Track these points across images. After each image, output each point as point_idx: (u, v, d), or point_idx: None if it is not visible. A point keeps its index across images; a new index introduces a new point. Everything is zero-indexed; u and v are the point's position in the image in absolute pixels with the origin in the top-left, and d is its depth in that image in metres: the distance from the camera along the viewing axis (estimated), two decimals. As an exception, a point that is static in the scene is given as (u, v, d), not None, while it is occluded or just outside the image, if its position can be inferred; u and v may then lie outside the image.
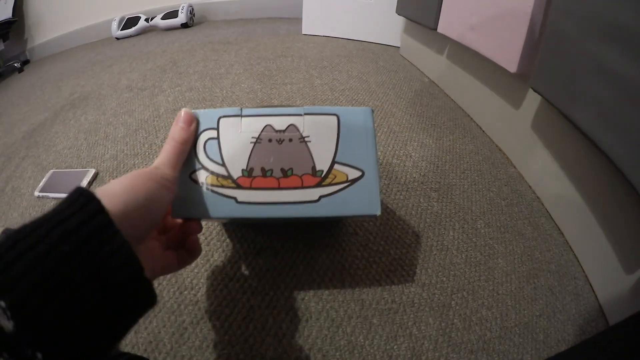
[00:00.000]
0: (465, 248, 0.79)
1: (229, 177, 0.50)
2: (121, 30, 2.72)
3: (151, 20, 2.74)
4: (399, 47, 1.97)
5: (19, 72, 2.55)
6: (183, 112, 0.50)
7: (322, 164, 0.51)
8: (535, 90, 0.82)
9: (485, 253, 0.78)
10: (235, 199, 0.50)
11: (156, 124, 1.28)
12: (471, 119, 1.27)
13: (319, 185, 0.51)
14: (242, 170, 0.50)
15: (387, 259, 0.76)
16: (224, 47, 2.10)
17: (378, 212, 0.52)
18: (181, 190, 0.50)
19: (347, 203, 0.52)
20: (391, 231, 0.82)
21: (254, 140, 0.51)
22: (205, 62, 1.85)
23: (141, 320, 0.63)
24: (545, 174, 0.90)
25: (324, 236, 0.79)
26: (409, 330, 0.64)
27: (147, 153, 1.12)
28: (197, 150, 0.51)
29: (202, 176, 0.51)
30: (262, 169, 0.50)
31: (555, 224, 0.87)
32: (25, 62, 2.84)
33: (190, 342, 0.61)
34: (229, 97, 1.43)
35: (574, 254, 0.80)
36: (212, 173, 0.50)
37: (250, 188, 0.50)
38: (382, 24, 2.01)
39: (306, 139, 0.51)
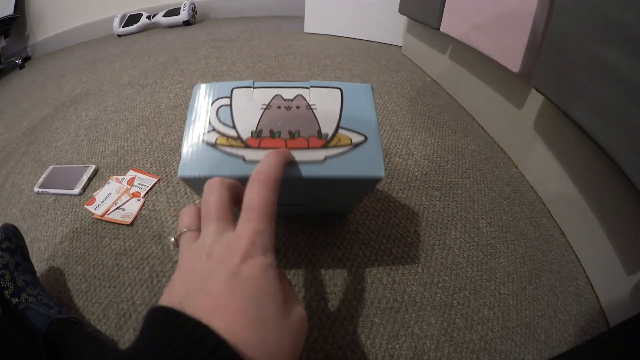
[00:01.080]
0: (467, 247, 0.79)
1: (238, 138, 0.51)
2: (123, 27, 2.72)
3: (153, 17, 2.74)
4: (401, 46, 1.97)
5: (20, 69, 2.55)
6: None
7: (327, 128, 0.53)
8: (537, 90, 0.82)
9: (487, 252, 0.78)
10: (243, 157, 0.51)
11: (157, 120, 1.27)
12: (473, 118, 1.26)
13: (324, 147, 0.52)
14: (252, 132, 0.52)
15: (388, 258, 0.75)
16: (225, 44, 2.10)
17: (382, 174, 0.53)
18: (190, 152, 0.51)
19: (352, 165, 0.53)
20: (393, 230, 0.81)
21: (264, 106, 0.53)
22: (207, 60, 1.85)
23: (139, 317, 0.63)
24: (547, 174, 0.90)
25: (325, 234, 0.79)
26: (411, 329, 0.64)
27: (147, 149, 1.12)
28: (210, 116, 0.53)
29: (212, 137, 0.52)
30: (271, 131, 0.52)
31: (557, 224, 0.86)
32: (27, 59, 2.83)
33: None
34: (230, 94, 1.42)
35: (576, 255, 0.80)
36: (222, 134, 0.52)
37: (259, 148, 0.51)
38: (385, 23, 2.00)
39: (312, 107, 0.54)
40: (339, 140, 0.53)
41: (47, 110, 1.57)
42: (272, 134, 0.52)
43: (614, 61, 0.60)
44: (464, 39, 1.17)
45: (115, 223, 0.88)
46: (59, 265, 0.80)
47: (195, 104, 0.53)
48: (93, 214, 0.91)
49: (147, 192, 0.96)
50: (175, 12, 2.69)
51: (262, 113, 0.53)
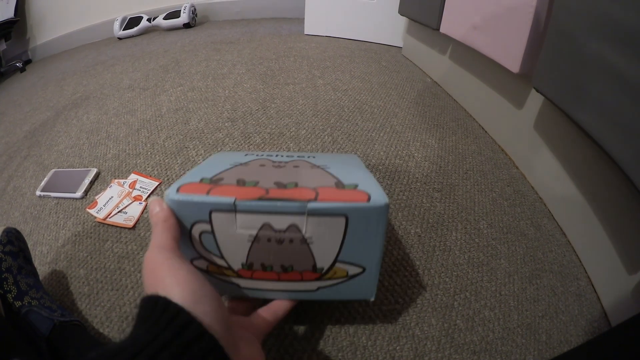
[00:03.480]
0: (468, 249, 0.79)
1: (229, 268, 0.51)
2: (123, 30, 2.73)
3: (153, 20, 2.74)
4: (401, 47, 1.97)
5: (21, 72, 2.56)
6: (150, 205, 0.48)
7: (323, 263, 0.50)
8: (537, 91, 0.82)
9: (487, 254, 0.78)
10: (237, 285, 0.52)
11: (158, 123, 1.28)
12: (474, 119, 1.27)
13: (318, 279, 0.51)
14: (242, 264, 0.50)
15: (389, 260, 0.75)
16: (226, 47, 2.10)
17: (372, 298, 0.54)
18: None
19: (344, 291, 0.53)
20: (394, 232, 0.82)
21: (252, 239, 0.47)
22: (208, 62, 1.86)
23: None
24: (547, 174, 0.90)
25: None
26: (412, 331, 0.64)
27: (149, 153, 1.12)
28: (193, 242, 0.49)
29: (203, 264, 0.51)
30: (262, 265, 0.50)
31: (558, 224, 0.87)
32: (27, 62, 2.84)
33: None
34: (231, 97, 1.43)
35: (577, 255, 0.80)
36: (212, 263, 0.50)
37: (252, 278, 0.51)
38: (385, 24, 2.01)
39: (308, 241, 0.47)
40: (334, 273, 0.51)
41: (48, 113, 1.58)
42: (264, 267, 0.50)
43: (613, 61, 0.60)
44: (464, 40, 1.17)
45: (117, 226, 0.88)
46: (61, 268, 0.80)
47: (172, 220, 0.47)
48: (95, 217, 0.91)
49: (148, 196, 0.96)
50: (175, 14, 2.69)
51: (251, 246, 0.48)
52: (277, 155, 0.66)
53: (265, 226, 0.46)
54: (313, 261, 0.49)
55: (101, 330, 0.67)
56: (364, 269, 0.51)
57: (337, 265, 0.50)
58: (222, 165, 0.58)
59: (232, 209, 0.46)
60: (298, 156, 0.66)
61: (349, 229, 0.47)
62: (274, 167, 0.58)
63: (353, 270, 0.51)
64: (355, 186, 0.49)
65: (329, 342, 0.62)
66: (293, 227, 0.46)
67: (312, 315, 0.65)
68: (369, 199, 0.46)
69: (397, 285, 0.71)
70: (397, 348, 0.61)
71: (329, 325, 0.64)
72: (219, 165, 0.59)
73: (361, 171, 0.58)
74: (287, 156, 0.66)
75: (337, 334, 0.63)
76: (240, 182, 0.50)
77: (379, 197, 0.46)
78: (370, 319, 0.65)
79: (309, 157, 0.65)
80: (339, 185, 0.50)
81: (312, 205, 0.45)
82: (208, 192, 0.47)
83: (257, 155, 0.67)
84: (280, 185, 0.50)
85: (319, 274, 0.51)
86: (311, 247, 0.48)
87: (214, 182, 0.50)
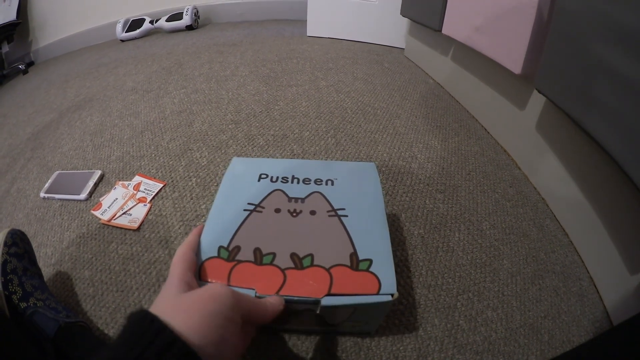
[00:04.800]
0: (471, 249, 0.79)
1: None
2: (126, 32, 2.73)
3: (156, 22, 2.74)
4: (403, 49, 1.97)
5: (24, 74, 2.56)
6: None
7: (333, 321, 0.56)
8: (539, 92, 0.82)
9: (490, 254, 0.78)
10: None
11: (162, 125, 1.28)
12: (476, 120, 1.27)
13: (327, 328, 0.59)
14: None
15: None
16: (229, 49, 2.11)
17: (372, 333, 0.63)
18: None
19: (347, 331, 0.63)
20: (397, 233, 0.82)
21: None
22: (211, 64, 1.86)
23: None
24: (550, 175, 0.90)
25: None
26: (415, 331, 0.64)
27: (153, 155, 1.13)
28: None
29: None
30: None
31: (560, 225, 0.87)
32: (30, 64, 2.84)
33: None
34: (235, 99, 1.43)
35: (579, 255, 0.80)
36: None
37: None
38: (387, 26, 2.01)
39: (321, 313, 0.51)
40: (341, 326, 0.59)
41: (51, 115, 1.58)
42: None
43: (614, 62, 0.60)
44: (466, 41, 1.18)
45: (122, 228, 0.89)
46: (66, 270, 0.81)
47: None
48: (100, 219, 0.92)
49: (153, 197, 0.96)
50: (178, 16, 2.69)
51: None
52: (293, 180, 0.67)
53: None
54: (325, 321, 0.55)
55: (106, 332, 0.67)
56: (367, 322, 0.59)
57: (345, 323, 0.57)
58: (237, 205, 0.61)
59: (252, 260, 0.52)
60: (315, 181, 0.66)
61: (356, 312, 0.52)
62: (290, 216, 0.60)
63: (358, 327, 0.60)
64: (369, 265, 0.52)
65: (334, 343, 0.62)
66: (308, 310, 0.51)
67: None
68: (378, 289, 0.49)
69: (401, 286, 0.71)
70: (401, 348, 0.62)
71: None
72: (235, 202, 0.62)
73: (379, 212, 0.61)
74: (304, 180, 0.66)
75: (341, 335, 0.63)
76: (258, 256, 0.53)
77: (387, 287, 0.50)
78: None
79: (327, 182, 0.66)
80: (353, 263, 0.53)
81: (324, 302, 0.48)
82: (229, 277, 0.50)
83: (272, 177, 0.67)
84: (296, 260, 0.53)
85: (328, 326, 0.57)
86: (322, 314, 0.52)
87: (232, 254, 0.53)
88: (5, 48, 2.69)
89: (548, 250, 0.81)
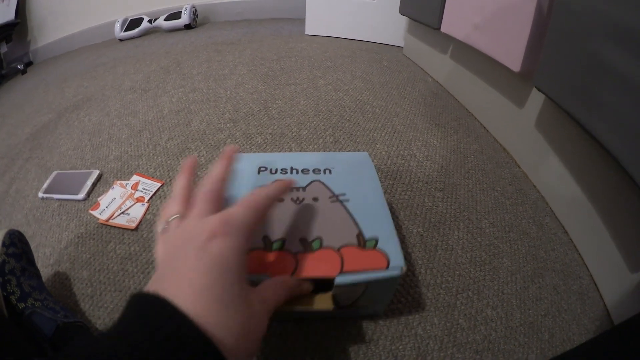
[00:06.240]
0: (470, 248, 0.79)
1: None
2: (124, 31, 2.73)
3: (154, 21, 2.74)
4: (402, 47, 1.97)
5: (22, 74, 2.55)
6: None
7: (344, 303, 0.56)
8: (538, 89, 0.82)
9: (490, 252, 0.78)
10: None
11: (160, 125, 1.28)
12: (475, 118, 1.27)
13: (336, 309, 0.56)
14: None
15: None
16: (227, 47, 2.11)
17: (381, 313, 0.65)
18: None
19: (357, 314, 0.64)
20: (396, 232, 0.82)
21: None
22: (209, 63, 1.86)
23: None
24: (549, 172, 0.90)
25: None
26: (414, 330, 0.64)
27: (151, 154, 1.12)
28: None
29: None
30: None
31: (560, 222, 0.87)
32: (28, 64, 2.84)
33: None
34: (233, 97, 1.43)
35: (579, 253, 0.80)
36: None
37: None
38: (385, 24, 2.01)
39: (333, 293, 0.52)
40: (352, 306, 0.57)
41: (50, 115, 1.58)
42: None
43: (614, 59, 0.60)
44: (465, 39, 1.17)
45: (120, 228, 0.89)
46: (64, 270, 0.80)
47: None
48: (98, 219, 0.91)
49: (151, 197, 0.96)
50: (176, 15, 2.69)
51: None
52: (292, 171, 0.67)
53: None
54: (337, 302, 0.54)
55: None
56: (377, 302, 0.60)
57: (355, 303, 0.56)
58: (240, 197, 0.61)
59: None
60: (314, 171, 0.67)
61: (368, 290, 0.53)
62: (293, 204, 0.60)
63: (367, 307, 0.60)
64: (375, 243, 0.54)
65: (332, 342, 0.62)
66: (322, 290, 0.53)
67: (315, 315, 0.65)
68: (387, 264, 0.51)
69: (400, 285, 0.71)
70: (400, 347, 0.62)
71: (332, 325, 0.64)
72: (237, 195, 0.62)
73: (378, 196, 0.62)
74: (302, 171, 0.67)
75: (339, 334, 0.63)
76: (267, 243, 0.54)
77: (396, 262, 0.51)
78: (373, 319, 0.65)
79: (325, 170, 0.67)
80: (360, 242, 0.54)
81: (338, 280, 0.49)
82: None
83: (271, 169, 0.68)
84: (305, 244, 0.53)
85: (338, 307, 0.55)
86: (335, 295, 0.52)
87: None
88: (4, 48, 2.69)
89: (548, 248, 0.80)
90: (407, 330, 0.64)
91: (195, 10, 2.80)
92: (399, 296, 0.69)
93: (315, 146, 1.10)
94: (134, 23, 2.76)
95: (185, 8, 2.69)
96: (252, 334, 0.37)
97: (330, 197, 0.61)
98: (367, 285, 0.51)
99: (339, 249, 0.52)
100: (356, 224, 0.56)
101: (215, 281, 0.35)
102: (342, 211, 0.58)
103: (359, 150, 1.08)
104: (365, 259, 0.51)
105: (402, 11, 1.73)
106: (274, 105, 1.36)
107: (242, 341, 0.35)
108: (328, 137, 1.15)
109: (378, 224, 0.56)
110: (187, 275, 0.35)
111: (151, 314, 0.32)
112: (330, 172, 0.66)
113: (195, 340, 0.31)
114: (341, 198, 0.61)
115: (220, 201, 0.46)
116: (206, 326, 0.32)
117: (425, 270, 0.74)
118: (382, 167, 1.00)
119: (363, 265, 0.50)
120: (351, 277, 0.49)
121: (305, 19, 2.26)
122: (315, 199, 0.60)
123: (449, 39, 1.39)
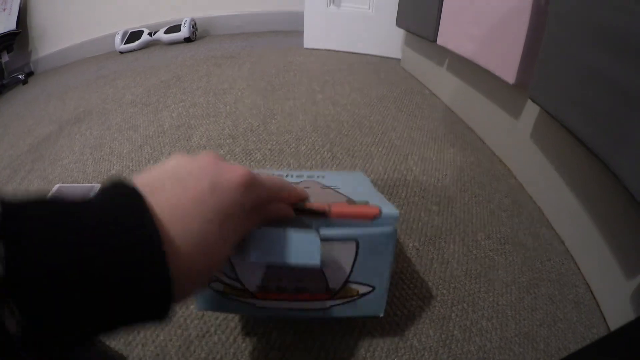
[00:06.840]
0: (466, 260, 0.80)
1: (245, 290, 0.52)
2: (124, 44, 2.74)
3: (154, 34, 2.76)
4: (400, 59, 1.99)
5: (23, 84, 2.57)
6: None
7: (335, 284, 0.52)
8: (533, 101, 0.83)
9: (485, 265, 0.79)
10: (254, 304, 0.53)
11: (161, 140, 1.29)
12: (472, 130, 1.28)
13: (330, 299, 0.53)
14: (257, 286, 0.51)
15: (388, 272, 0.76)
16: (227, 61, 2.13)
17: (381, 314, 0.56)
18: (200, 296, 0.54)
19: (355, 308, 0.55)
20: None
21: (266, 265, 0.49)
22: (209, 77, 1.88)
23: (148, 333, 0.64)
24: (545, 183, 0.91)
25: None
26: (410, 342, 0.65)
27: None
28: None
29: (220, 286, 0.52)
30: (277, 287, 0.51)
31: (556, 233, 0.88)
32: (30, 74, 2.85)
33: (196, 354, 0.62)
34: (232, 112, 1.44)
35: (575, 262, 0.81)
36: (228, 285, 0.52)
37: (267, 299, 0.53)
38: (383, 37, 2.03)
39: (321, 265, 0.44)
40: (346, 292, 0.53)
41: (51, 127, 1.59)
42: (279, 290, 0.51)
43: (608, 70, 0.61)
44: (460, 52, 1.19)
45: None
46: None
47: None
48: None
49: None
50: (176, 28, 2.71)
51: (266, 270, 0.50)
52: (287, 176, 0.67)
53: None
54: (326, 283, 0.51)
55: (107, 342, 0.68)
56: (374, 288, 0.53)
57: (348, 285, 0.52)
58: None
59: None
60: (308, 176, 0.67)
61: (360, 252, 0.49)
62: None
63: (364, 289, 0.53)
64: (366, 202, 0.51)
65: (329, 354, 0.63)
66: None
67: (311, 327, 0.66)
68: (379, 212, 0.48)
69: (396, 297, 0.72)
70: (395, 359, 0.62)
71: (328, 337, 0.65)
72: None
73: (370, 189, 0.62)
74: (297, 176, 0.67)
75: (337, 346, 0.64)
76: None
77: (388, 212, 0.48)
78: (369, 331, 0.66)
79: (318, 176, 0.67)
80: (350, 202, 0.52)
81: (324, 232, 0.46)
82: None
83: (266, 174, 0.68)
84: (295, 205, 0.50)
85: (330, 294, 0.53)
86: (324, 271, 0.50)
87: None
88: (5, 57, 2.70)
89: (544, 258, 0.81)
90: (403, 342, 0.65)
91: (195, 24, 2.82)
92: (395, 309, 0.70)
93: (313, 162, 1.12)
94: (134, 36, 2.78)
95: (185, 21, 2.71)
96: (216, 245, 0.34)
97: (322, 187, 0.60)
98: (357, 249, 0.49)
99: (327, 202, 0.49)
100: (345, 195, 0.55)
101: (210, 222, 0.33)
102: (334, 193, 0.57)
103: (355, 166, 1.09)
104: (354, 208, 0.49)
105: (399, 24, 1.75)
106: (273, 121, 1.37)
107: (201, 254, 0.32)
108: (326, 152, 1.16)
109: (369, 198, 0.54)
110: (185, 195, 0.33)
111: (121, 205, 0.29)
112: (323, 177, 0.66)
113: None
114: (333, 187, 0.60)
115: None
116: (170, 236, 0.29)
117: (420, 283, 0.75)
118: (379, 182, 1.01)
119: (353, 213, 0.48)
120: (338, 231, 0.47)
121: (303, 31, 2.28)
122: (306, 187, 0.58)
123: (445, 51, 1.40)
